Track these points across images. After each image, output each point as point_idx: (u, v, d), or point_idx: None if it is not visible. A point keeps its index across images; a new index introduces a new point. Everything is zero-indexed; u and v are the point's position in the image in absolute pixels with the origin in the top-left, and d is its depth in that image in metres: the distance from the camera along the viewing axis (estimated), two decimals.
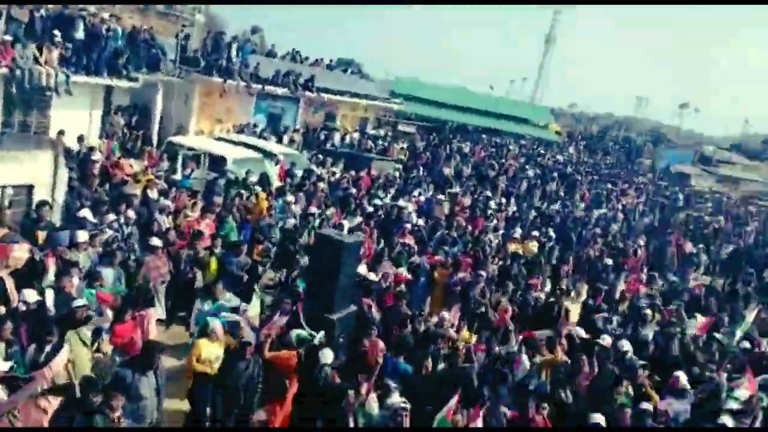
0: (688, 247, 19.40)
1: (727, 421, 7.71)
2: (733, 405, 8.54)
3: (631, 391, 8.33)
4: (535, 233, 16.52)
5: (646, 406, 7.86)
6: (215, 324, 7.74)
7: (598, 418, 7.24)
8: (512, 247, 15.23)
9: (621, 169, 40.52)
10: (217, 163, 16.33)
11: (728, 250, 20.58)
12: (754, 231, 24.63)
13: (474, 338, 9.91)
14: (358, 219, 14.44)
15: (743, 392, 8.90)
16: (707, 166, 42.23)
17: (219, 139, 19.53)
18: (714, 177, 40.49)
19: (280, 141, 22.59)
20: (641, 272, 15.62)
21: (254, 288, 10.08)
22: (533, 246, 15.70)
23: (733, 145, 51.49)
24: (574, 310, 12.12)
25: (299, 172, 17.73)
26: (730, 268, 18.76)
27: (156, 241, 10.09)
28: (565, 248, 16.73)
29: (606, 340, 9.67)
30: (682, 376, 8.79)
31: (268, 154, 17.95)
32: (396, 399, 7.06)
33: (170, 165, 16.04)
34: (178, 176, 15.31)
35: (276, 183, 16.30)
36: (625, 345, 9.63)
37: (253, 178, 15.45)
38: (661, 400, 8.42)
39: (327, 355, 7.67)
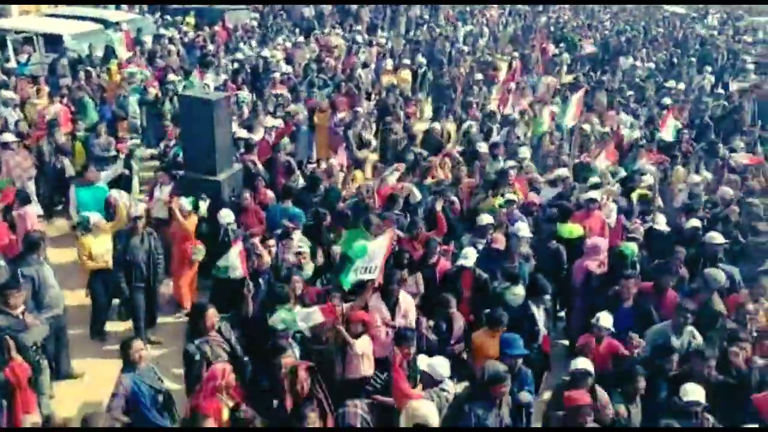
0: (551, 49, 20.14)
1: (595, 195, 8.47)
2: (592, 179, 9.44)
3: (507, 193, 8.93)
4: (407, 61, 16.43)
5: (511, 197, 8.51)
6: (93, 217, 7.40)
7: None
8: (386, 79, 15.17)
9: None
10: (54, 42, 14.74)
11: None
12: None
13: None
14: (223, 77, 13.74)
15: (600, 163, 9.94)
16: None
17: (51, 15, 17.46)
18: None
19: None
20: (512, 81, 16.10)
21: (131, 165, 9.65)
22: (406, 75, 15.70)
23: None
24: (453, 130, 12.50)
25: (148, 38, 16.35)
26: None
27: (8, 137, 9.29)
28: (438, 70, 16.85)
29: (482, 147, 10.28)
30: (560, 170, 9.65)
31: (109, 24, 16.33)
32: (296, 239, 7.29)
33: (1, 54, 14.29)
34: (12, 64, 13.70)
35: (124, 54, 15.03)
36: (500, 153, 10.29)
37: (99, 53, 14.10)
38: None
39: (227, 215, 7.64)
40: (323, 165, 10.19)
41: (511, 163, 9.95)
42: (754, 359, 5.75)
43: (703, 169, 10.76)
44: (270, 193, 8.81)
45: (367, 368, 5.85)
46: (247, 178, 8.90)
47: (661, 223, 8.17)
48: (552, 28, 24.29)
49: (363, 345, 5.86)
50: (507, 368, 5.09)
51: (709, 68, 18.18)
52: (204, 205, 7.88)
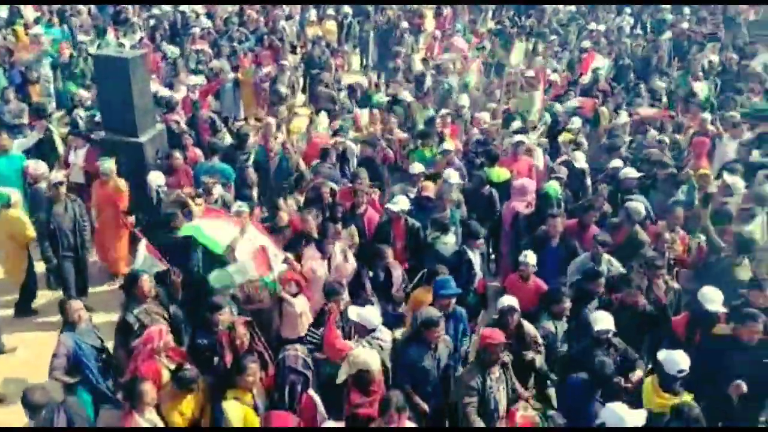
0: None
1: (521, 138, 8.68)
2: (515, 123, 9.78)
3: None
4: (331, 11, 16.07)
5: (446, 146, 8.66)
6: (10, 193, 7.08)
7: None
8: (310, 31, 14.85)
9: None
10: None
11: None
12: None
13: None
14: (139, 34, 13.15)
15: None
16: None
17: None
18: None
19: None
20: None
21: (49, 128, 9.20)
22: (331, 26, 15.41)
23: None
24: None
25: None
26: None
27: None
28: (363, 22, 16.60)
29: (406, 96, 10.59)
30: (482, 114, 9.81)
31: None
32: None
33: None
34: None
35: (31, 13, 14.14)
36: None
37: (2, 14, 13.22)
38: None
39: (156, 178, 7.44)
40: (251, 122, 10.05)
41: (445, 111, 10.02)
42: (670, 284, 6.13)
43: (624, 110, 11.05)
44: (198, 152, 8.61)
45: (305, 326, 5.87)
46: (172, 139, 8.66)
47: (580, 160, 8.43)
48: None
49: (301, 304, 5.89)
50: (440, 314, 5.24)
51: (628, 9, 18.55)
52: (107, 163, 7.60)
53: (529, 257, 6.26)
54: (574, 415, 4.88)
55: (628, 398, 4.75)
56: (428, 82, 11.78)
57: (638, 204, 7.04)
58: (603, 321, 5.27)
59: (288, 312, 5.75)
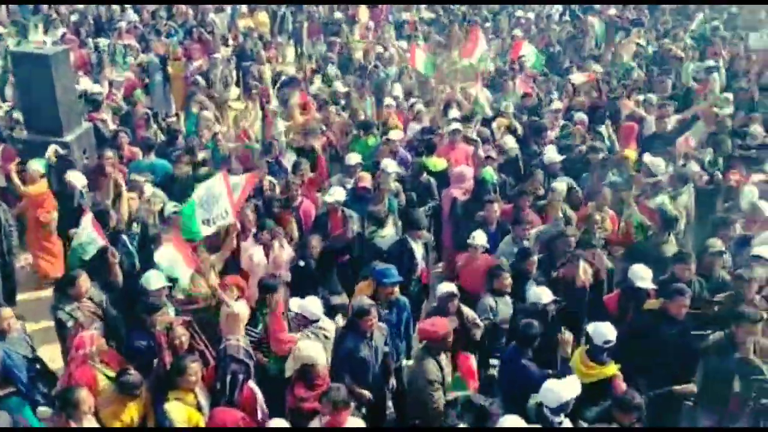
0: None
1: (457, 126, 8.77)
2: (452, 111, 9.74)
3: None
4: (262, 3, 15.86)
5: (393, 134, 8.73)
6: None
7: None
8: (242, 23, 14.58)
9: None
10: None
11: None
12: None
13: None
14: (62, 30, 12.62)
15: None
16: None
17: None
18: None
19: None
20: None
21: None
22: (263, 17, 15.20)
23: None
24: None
25: None
26: None
27: None
28: (297, 12, 16.41)
29: (339, 87, 10.61)
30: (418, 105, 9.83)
31: None
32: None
33: None
34: None
35: None
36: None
37: None
38: None
39: (77, 179, 7.16)
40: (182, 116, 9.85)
41: (388, 101, 10.02)
42: (605, 261, 6.35)
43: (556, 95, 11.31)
44: (135, 149, 8.31)
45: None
46: (99, 138, 8.36)
47: (510, 144, 8.60)
48: None
49: (241, 308, 5.63)
50: (371, 302, 5.28)
51: None
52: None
53: (479, 237, 6.36)
54: (511, 385, 5.01)
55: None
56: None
57: (559, 183, 7.28)
58: (536, 294, 5.47)
59: (228, 315, 5.60)
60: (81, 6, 14.63)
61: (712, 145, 8.62)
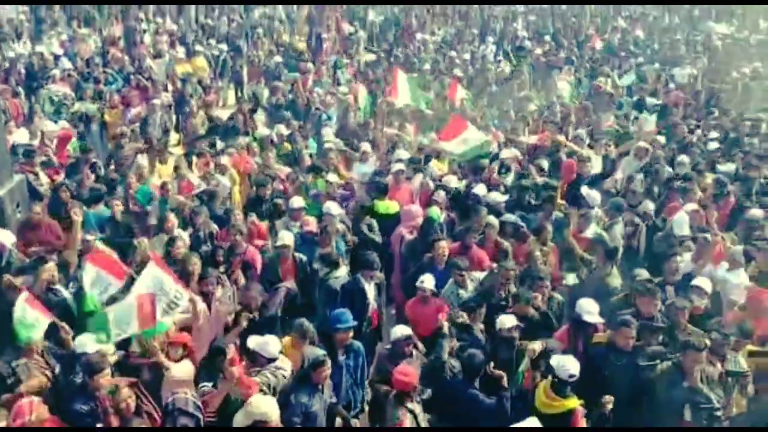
0: (346, 27, 20.58)
1: (401, 167, 8.87)
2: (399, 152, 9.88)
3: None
4: (200, 48, 15.81)
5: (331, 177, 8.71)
6: None
7: None
8: (180, 69, 14.46)
9: None
10: None
11: None
12: None
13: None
14: None
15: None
16: None
17: None
18: None
19: None
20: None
21: None
22: (202, 62, 15.11)
23: None
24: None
25: None
26: None
27: None
28: (236, 56, 16.45)
29: (281, 129, 10.23)
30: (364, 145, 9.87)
31: None
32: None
33: None
34: None
35: None
36: None
37: None
38: None
39: (4, 236, 6.76)
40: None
41: (329, 144, 10.03)
42: (554, 295, 6.45)
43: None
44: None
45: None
46: (31, 191, 8.05)
47: (452, 182, 8.74)
48: (345, 7, 24.63)
49: (183, 370, 5.36)
50: (324, 353, 5.20)
51: (491, 39, 19.71)
52: None
53: (427, 281, 6.32)
54: (459, 417, 5.08)
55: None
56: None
57: (492, 218, 7.47)
58: (503, 322, 5.57)
59: (168, 378, 5.36)
60: (11, 54, 14.24)
61: (647, 175, 9.00)
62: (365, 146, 10.07)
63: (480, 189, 8.34)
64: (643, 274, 6.54)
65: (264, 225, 7.89)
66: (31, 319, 5.35)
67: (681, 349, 5.20)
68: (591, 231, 7.36)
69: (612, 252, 6.86)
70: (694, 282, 6.38)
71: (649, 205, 8.15)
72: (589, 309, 5.72)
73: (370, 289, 6.58)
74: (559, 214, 7.90)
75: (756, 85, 14.98)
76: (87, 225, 7.32)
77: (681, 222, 7.48)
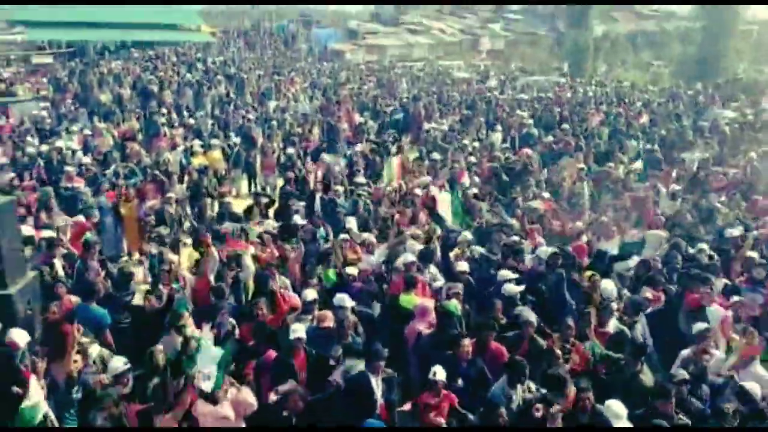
0: (356, 118, 21.13)
1: (411, 258, 8.76)
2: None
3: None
4: (216, 141, 16.18)
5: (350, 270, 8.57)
6: None
7: None
8: (196, 161, 14.74)
9: (282, 56, 41.20)
10: None
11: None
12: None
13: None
14: (10, 174, 12.49)
15: None
16: (357, 39, 45.51)
17: None
18: (364, 48, 44.01)
19: None
20: None
21: None
22: (217, 154, 15.43)
23: (373, 14, 55.83)
24: None
25: None
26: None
27: None
28: (249, 148, 16.80)
29: (298, 220, 10.24)
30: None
31: None
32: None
33: None
34: None
35: None
36: None
37: None
38: None
39: (19, 336, 6.63)
40: (135, 257, 9.62)
41: (343, 234, 10.03)
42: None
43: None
44: (74, 299, 7.92)
45: None
46: (44, 287, 8.02)
47: (463, 267, 8.64)
48: (355, 99, 25.42)
49: None
50: None
51: (499, 126, 20.09)
52: None
53: (440, 374, 6.13)
54: None
55: None
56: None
57: (527, 310, 7.23)
58: None
59: None
60: (31, 150, 14.60)
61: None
62: (368, 237, 10.02)
63: (502, 274, 8.17)
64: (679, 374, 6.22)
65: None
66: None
67: None
68: (612, 325, 7.11)
69: (641, 348, 6.58)
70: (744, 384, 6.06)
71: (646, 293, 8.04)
72: (618, 412, 5.39)
73: (378, 383, 6.37)
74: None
75: (764, 167, 15.09)
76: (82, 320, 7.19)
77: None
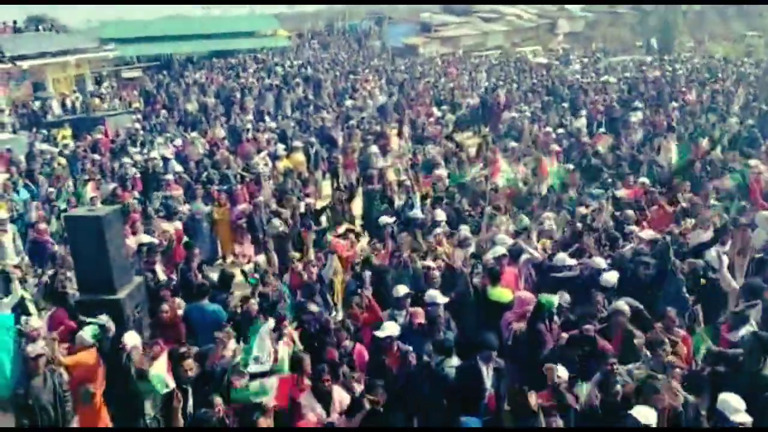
0: (434, 112, 21.04)
1: (502, 250, 8.61)
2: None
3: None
4: (298, 143, 16.49)
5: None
6: None
7: None
8: (281, 164, 15.08)
9: (356, 55, 41.52)
10: None
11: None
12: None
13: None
14: (112, 185, 13.21)
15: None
16: (429, 33, 45.24)
17: None
18: (438, 41, 43.70)
19: None
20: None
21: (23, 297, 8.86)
22: (300, 157, 15.74)
23: (444, 7, 55.32)
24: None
25: (22, 157, 15.57)
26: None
27: None
28: (331, 148, 17.06)
29: (385, 219, 10.32)
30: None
31: None
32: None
33: None
34: None
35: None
36: None
37: None
38: None
39: (132, 339, 7.03)
40: (229, 259, 9.94)
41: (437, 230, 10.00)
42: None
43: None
44: (178, 301, 8.31)
45: None
46: (149, 290, 8.44)
47: (563, 259, 8.39)
48: (432, 92, 25.30)
49: None
50: None
51: (584, 111, 19.45)
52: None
53: (562, 373, 5.84)
54: None
55: None
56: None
57: (622, 303, 6.94)
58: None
59: None
60: (128, 160, 15.39)
61: None
62: (464, 230, 9.93)
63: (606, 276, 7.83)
64: None
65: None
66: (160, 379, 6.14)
67: None
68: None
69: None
70: None
71: None
72: (736, 406, 5.00)
73: (488, 372, 6.30)
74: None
75: None
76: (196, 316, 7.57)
77: None
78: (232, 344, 6.95)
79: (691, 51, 36.48)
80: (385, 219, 10.33)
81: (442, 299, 7.42)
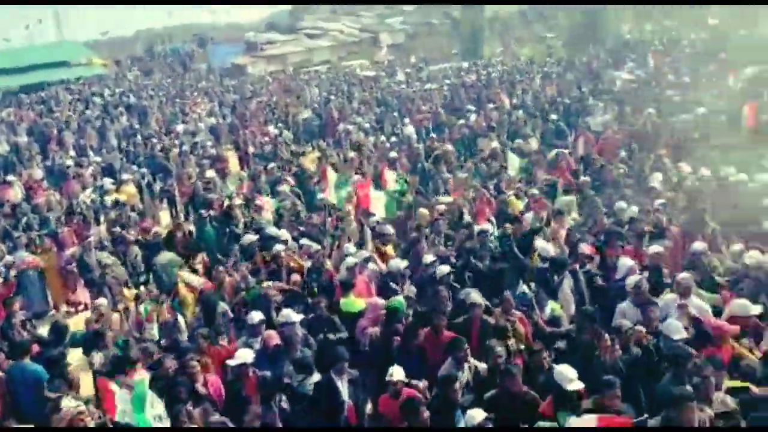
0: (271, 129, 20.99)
1: (353, 261, 8.84)
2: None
3: None
4: (128, 176, 15.63)
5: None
6: None
7: None
8: (110, 199, 14.22)
9: (181, 78, 40.12)
10: None
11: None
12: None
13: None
14: None
15: None
16: (256, 52, 44.89)
17: None
18: (265, 59, 43.51)
19: None
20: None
21: None
22: (131, 189, 14.92)
23: (267, 25, 55.16)
24: None
25: None
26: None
27: None
28: (166, 177, 16.38)
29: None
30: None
31: None
32: None
33: None
34: None
35: None
36: None
37: None
38: None
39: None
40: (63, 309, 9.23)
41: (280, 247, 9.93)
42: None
43: None
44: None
45: None
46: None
47: (397, 263, 8.87)
48: (265, 111, 25.16)
49: None
50: None
51: (407, 119, 20.42)
52: None
53: (397, 374, 6.14)
54: None
55: None
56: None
57: (475, 295, 7.52)
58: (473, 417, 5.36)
59: None
60: None
61: None
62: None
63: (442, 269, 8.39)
64: None
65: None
66: None
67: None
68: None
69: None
70: None
71: None
72: (569, 376, 5.54)
73: (344, 386, 6.40)
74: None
75: (662, 123, 16.08)
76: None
77: None
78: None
79: (501, 55, 39.42)
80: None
81: (296, 317, 7.43)
